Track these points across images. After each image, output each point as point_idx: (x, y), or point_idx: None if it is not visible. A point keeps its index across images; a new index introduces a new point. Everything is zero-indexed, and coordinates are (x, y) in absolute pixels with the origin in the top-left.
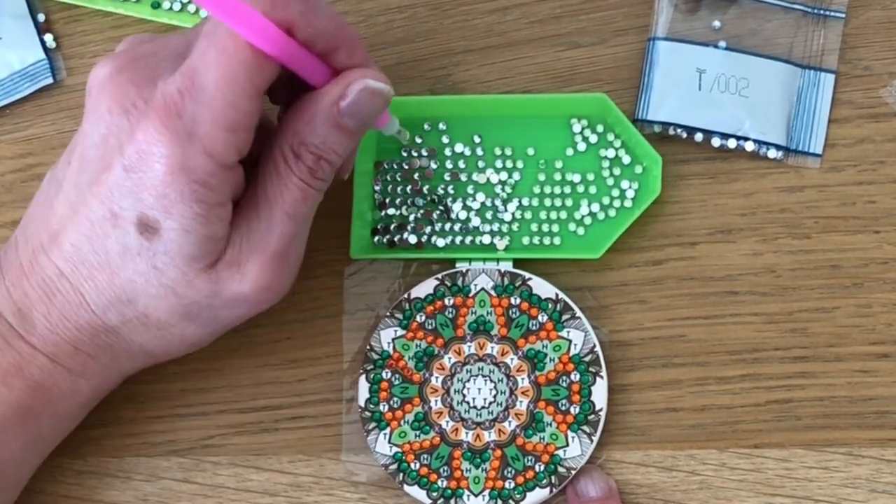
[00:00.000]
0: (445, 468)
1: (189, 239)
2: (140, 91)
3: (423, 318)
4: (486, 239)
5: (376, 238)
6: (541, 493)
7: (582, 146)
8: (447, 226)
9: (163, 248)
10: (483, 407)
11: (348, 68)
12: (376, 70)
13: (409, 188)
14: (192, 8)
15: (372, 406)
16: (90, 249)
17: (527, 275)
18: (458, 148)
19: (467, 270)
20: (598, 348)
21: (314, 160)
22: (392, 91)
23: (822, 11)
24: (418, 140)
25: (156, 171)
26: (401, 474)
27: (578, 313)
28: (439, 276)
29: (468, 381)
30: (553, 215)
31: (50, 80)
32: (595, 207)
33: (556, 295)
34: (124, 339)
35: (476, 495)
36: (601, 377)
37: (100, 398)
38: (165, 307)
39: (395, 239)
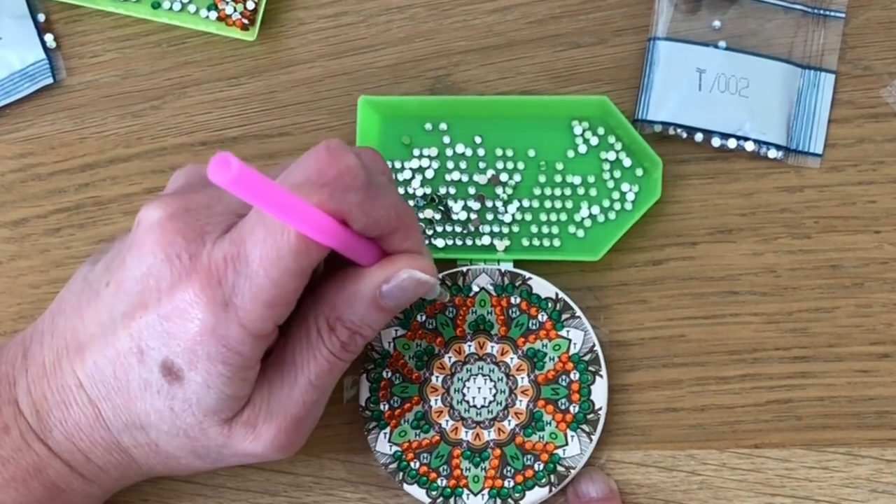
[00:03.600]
0: (445, 467)
1: (210, 394)
2: (187, 244)
3: (424, 317)
4: (486, 240)
5: None
6: (540, 492)
7: (583, 148)
8: (447, 226)
9: (182, 395)
10: (483, 406)
11: (398, 252)
12: (425, 257)
13: (408, 188)
14: (192, 8)
15: (372, 405)
16: (111, 374)
17: (527, 274)
18: (459, 148)
19: (468, 270)
20: (597, 348)
21: (348, 335)
22: (436, 282)
23: (822, 11)
24: (416, 138)
25: (188, 329)
26: (401, 473)
27: (578, 313)
28: (440, 275)
29: (468, 380)
30: (553, 217)
31: (50, 80)
32: (595, 210)
33: (556, 294)
34: (135, 461)
35: (475, 494)
36: (601, 376)
37: (111, 495)
38: (175, 444)
39: None
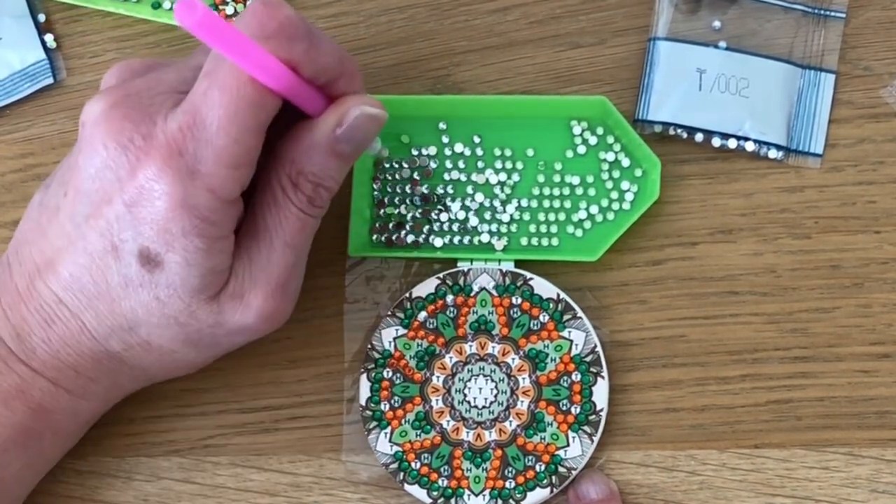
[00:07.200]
0: (446, 467)
1: (192, 272)
2: (137, 127)
3: (425, 317)
4: (485, 238)
5: (374, 236)
6: (541, 493)
7: (582, 149)
8: (445, 226)
9: (165, 281)
10: (484, 406)
11: (343, 96)
12: (369, 96)
13: (407, 187)
14: None
15: (373, 405)
16: (90, 280)
17: (528, 275)
18: (458, 148)
19: (469, 270)
20: (599, 348)
21: (312, 188)
22: (386, 115)
23: (822, 11)
24: (416, 140)
25: (157, 208)
26: (401, 473)
27: (580, 313)
28: (441, 275)
29: (469, 380)
30: (551, 217)
31: (50, 81)
32: (593, 210)
33: (558, 295)
34: (126, 364)
35: (476, 495)
36: (602, 377)
37: (99, 416)
38: (168, 335)
39: (394, 237)
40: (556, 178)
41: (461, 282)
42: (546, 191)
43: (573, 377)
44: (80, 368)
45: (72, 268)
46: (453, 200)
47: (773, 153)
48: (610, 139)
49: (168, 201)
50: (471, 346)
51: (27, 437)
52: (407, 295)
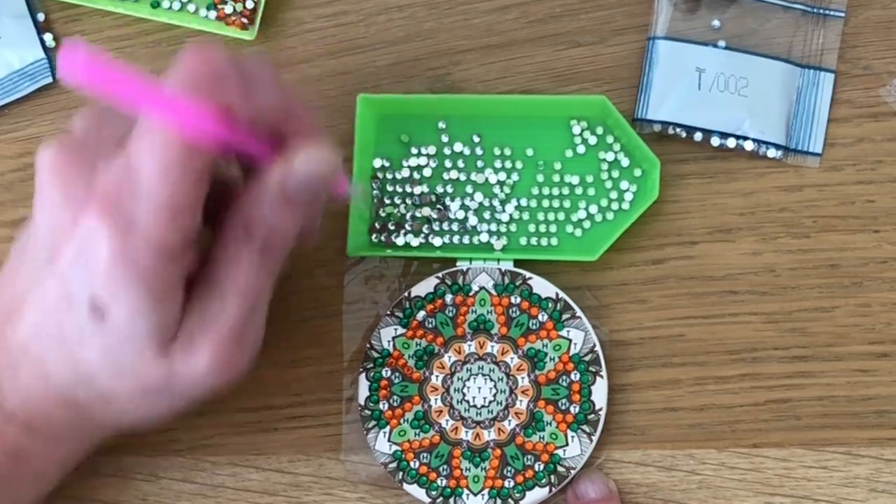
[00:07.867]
0: (445, 467)
1: (138, 323)
2: (81, 175)
3: (424, 316)
4: (484, 238)
5: (373, 236)
6: (540, 493)
7: (581, 148)
8: (444, 225)
9: (114, 331)
10: (483, 406)
11: (297, 137)
12: (324, 142)
13: (406, 187)
14: (191, 7)
15: (372, 404)
16: (48, 331)
17: (527, 274)
18: (458, 147)
19: (468, 269)
20: (598, 348)
21: (264, 236)
22: (338, 160)
23: (821, 11)
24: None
25: (100, 259)
26: (400, 473)
27: (579, 313)
28: (440, 274)
29: (468, 379)
30: (551, 216)
31: (50, 80)
32: (593, 209)
33: (557, 294)
34: (90, 416)
35: (475, 494)
36: (601, 377)
37: (79, 461)
38: (122, 389)
39: (393, 237)
40: (556, 178)
41: (460, 281)
42: (545, 190)
43: (572, 376)
44: (48, 416)
45: (32, 316)
46: (452, 200)
47: (772, 152)
48: (609, 139)
49: (108, 253)
50: (470, 345)
51: (3, 481)
52: (406, 294)
